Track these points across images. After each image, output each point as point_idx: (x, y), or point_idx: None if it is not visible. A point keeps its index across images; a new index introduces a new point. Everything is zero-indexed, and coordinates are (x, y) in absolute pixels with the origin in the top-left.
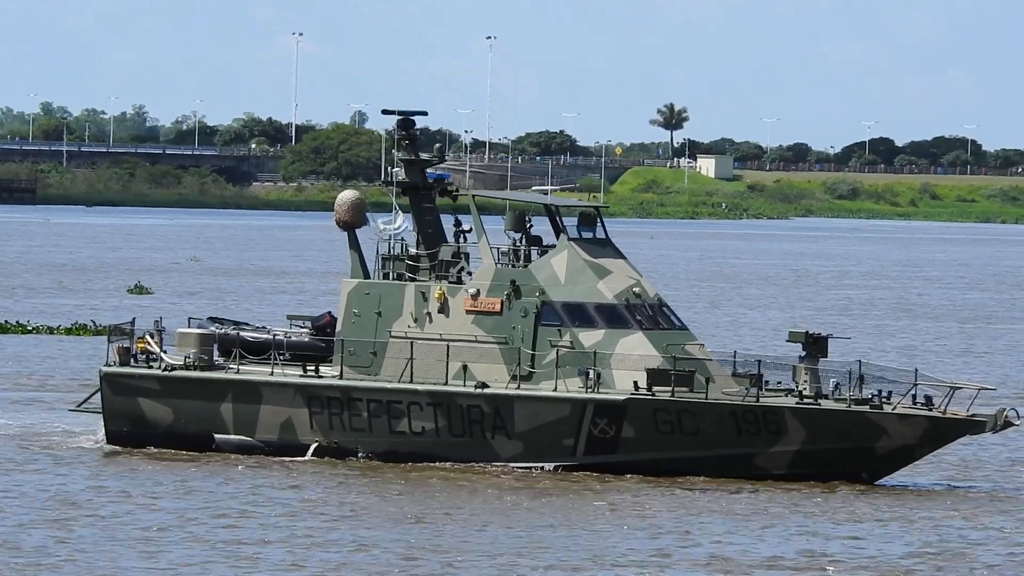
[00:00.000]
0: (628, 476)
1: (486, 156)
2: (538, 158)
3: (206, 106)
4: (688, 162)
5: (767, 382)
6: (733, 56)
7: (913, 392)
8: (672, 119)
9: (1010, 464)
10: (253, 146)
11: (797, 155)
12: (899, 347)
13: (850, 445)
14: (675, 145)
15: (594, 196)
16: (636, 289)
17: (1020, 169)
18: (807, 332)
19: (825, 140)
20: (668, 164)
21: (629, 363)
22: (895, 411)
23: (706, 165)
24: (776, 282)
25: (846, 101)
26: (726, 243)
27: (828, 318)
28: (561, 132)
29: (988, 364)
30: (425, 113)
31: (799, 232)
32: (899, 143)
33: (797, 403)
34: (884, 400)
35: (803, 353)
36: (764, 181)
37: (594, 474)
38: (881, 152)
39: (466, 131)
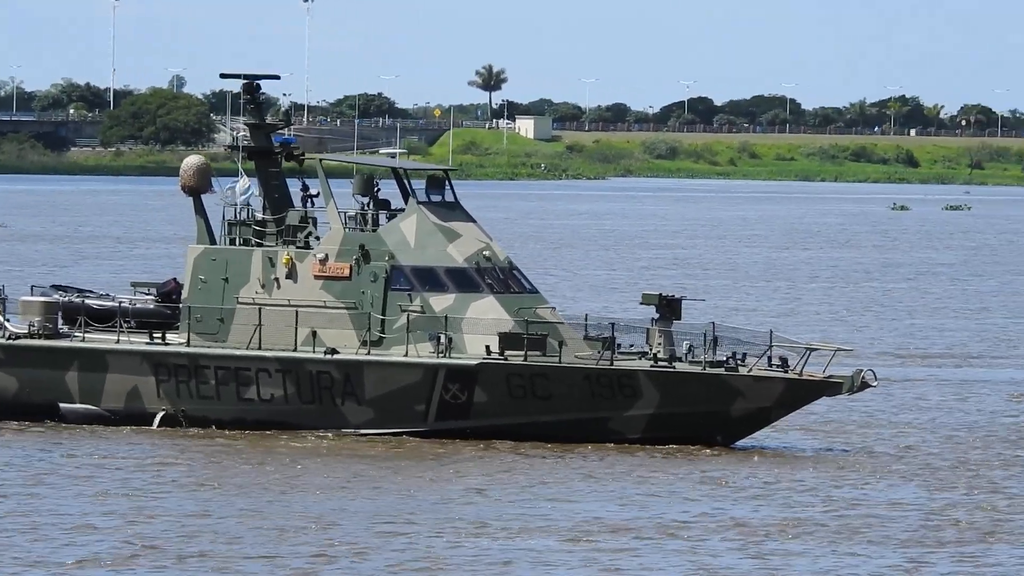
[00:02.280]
0: (479, 442)
1: (304, 119)
2: (357, 120)
3: (24, 72)
4: (507, 123)
5: (620, 345)
6: (551, 17)
7: (768, 354)
8: (491, 80)
9: (867, 424)
10: (71, 111)
11: (616, 115)
12: (746, 308)
13: (705, 408)
14: (494, 106)
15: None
16: (486, 252)
17: (839, 127)
18: (660, 294)
19: (644, 100)
20: (487, 125)
21: (481, 327)
22: (750, 373)
23: (525, 126)
24: (596, 243)
25: (664, 61)
26: (545, 205)
27: (661, 280)
28: (380, 95)
29: (846, 325)
30: (277, 77)
31: (618, 192)
32: (718, 102)
33: (651, 366)
34: (739, 362)
35: (656, 316)
36: (583, 142)
37: (446, 440)
38: (700, 112)
39: (284, 94)
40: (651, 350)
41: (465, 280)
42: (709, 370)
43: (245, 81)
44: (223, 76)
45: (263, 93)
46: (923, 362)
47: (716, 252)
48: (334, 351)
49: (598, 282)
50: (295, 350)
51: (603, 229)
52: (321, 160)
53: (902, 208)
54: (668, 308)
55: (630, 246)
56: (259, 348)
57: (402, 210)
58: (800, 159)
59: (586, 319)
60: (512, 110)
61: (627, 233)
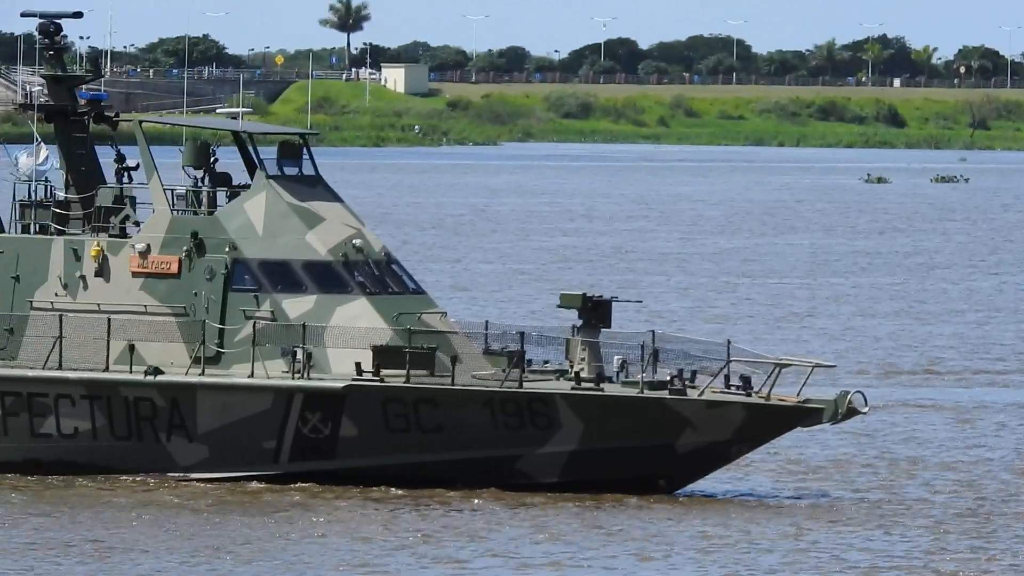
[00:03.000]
0: (350, 487)
1: (107, 69)
2: (174, 71)
3: None
4: (370, 73)
5: (531, 362)
6: None
7: (726, 372)
8: (348, 18)
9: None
10: None
11: (511, 63)
12: (696, 313)
13: (643, 443)
14: (353, 52)
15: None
16: (357, 241)
17: (800, 76)
18: (584, 295)
19: (547, 43)
20: (344, 76)
21: (350, 339)
22: (702, 397)
23: (394, 77)
24: (491, 228)
25: None
26: (422, 179)
27: (581, 276)
28: (205, 37)
29: (821, 334)
30: (80, 15)
31: (516, 162)
32: (643, 45)
33: (572, 389)
34: (687, 383)
35: (579, 323)
36: (469, 96)
37: (305, 485)
38: (621, 58)
39: (81, 37)
40: (572, 367)
41: (329, 277)
42: (648, 393)
43: (42, 21)
44: (24, 15)
45: (64, 36)
46: (918, 380)
47: (649, 240)
48: (157, 371)
49: (499, 280)
50: (106, 370)
51: (499, 211)
52: (141, 123)
53: (879, 180)
54: (594, 313)
55: (537, 232)
56: (59, 368)
57: (247, 186)
58: (751, 117)
59: (486, 328)
60: (377, 56)
61: (532, 215)
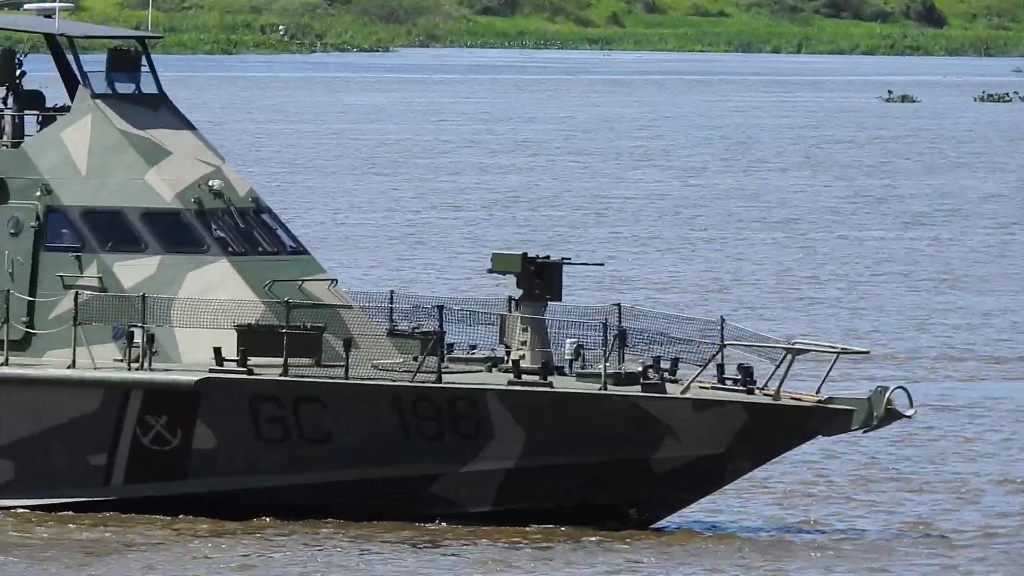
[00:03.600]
0: (207, 520)
1: None
2: None
3: None
4: None
5: (452, 347)
6: None
7: (719, 360)
8: None
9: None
10: None
11: None
12: (676, 279)
13: (607, 458)
14: None
15: None
16: (215, 183)
17: None
18: (524, 255)
19: None
20: None
21: (205, 315)
22: (687, 394)
23: None
24: (386, 166)
25: None
26: (285, 96)
27: (515, 232)
28: None
29: (837, 309)
30: None
31: (414, 74)
32: None
33: (509, 383)
34: (666, 375)
35: (518, 293)
36: None
37: (146, 516)
38: None
39: None
40: (508, 354)
41: (177, 232)
42: (613, 390)
43: None
44: None
45: None
46: (974, 369)
47: (603, 182)
48: None
49: (406, 236)
50: None
51: (399, 141)
52: None
53: (904, 99)
54: (538, 280)
55: (451, 170)
56: None
57: (66, 109)
58: (735, 13)
59: (391, 300)
60: None
61: (443, 147)
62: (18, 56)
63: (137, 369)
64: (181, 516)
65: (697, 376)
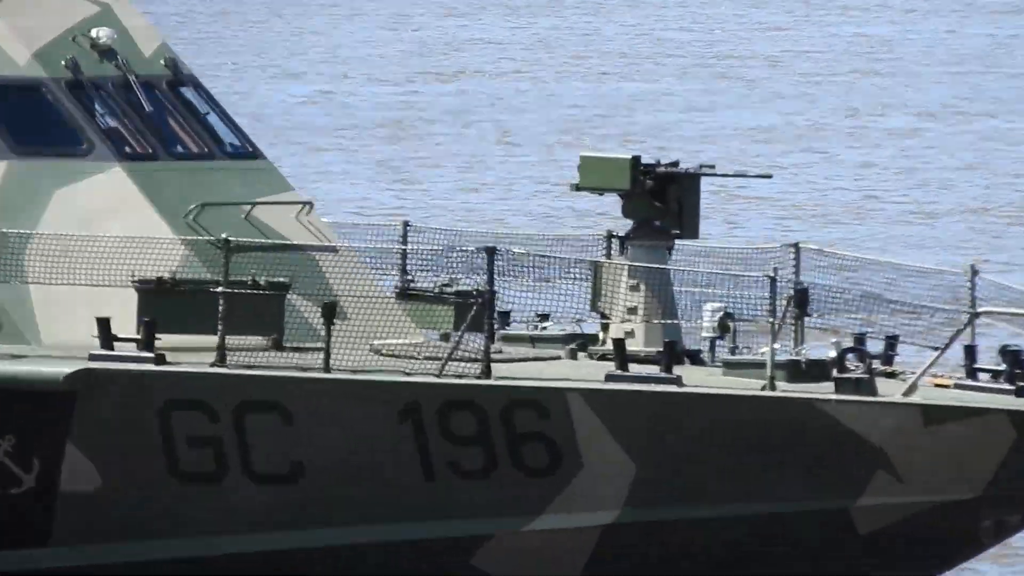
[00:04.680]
0: None
1: None
2: None
3: None
4: None
5: (507, 315)
6: None
7: (968, 336)
8: None
9: None
10: None
11: None
12: (856, 199)
13: (776, 506)
14: None
15: None
16: (102, 33)
17: None
18: (636, 160)
19: None
20: None
21: (83, 265)
22: (913, 396)
23: None
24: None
25: None
26: None
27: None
28: None
29: None
30: None
31: None
32: None
33: (608, 376)
34: (878, 363)
35: (622, 228)
36: None
37: None
38: None
39: None
40: (606, 329)
41: (37, 119)
42: (786, 388)
43: None
44: None
45: None
46: None
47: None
48: None
49: (415, 127)
50: None
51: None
52: None
53: None
54: (658, 204)
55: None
56: None
57: None
58: None
59: (404, 233)
60: None
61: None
62: None
63: None
64: None
65: (931, 365)
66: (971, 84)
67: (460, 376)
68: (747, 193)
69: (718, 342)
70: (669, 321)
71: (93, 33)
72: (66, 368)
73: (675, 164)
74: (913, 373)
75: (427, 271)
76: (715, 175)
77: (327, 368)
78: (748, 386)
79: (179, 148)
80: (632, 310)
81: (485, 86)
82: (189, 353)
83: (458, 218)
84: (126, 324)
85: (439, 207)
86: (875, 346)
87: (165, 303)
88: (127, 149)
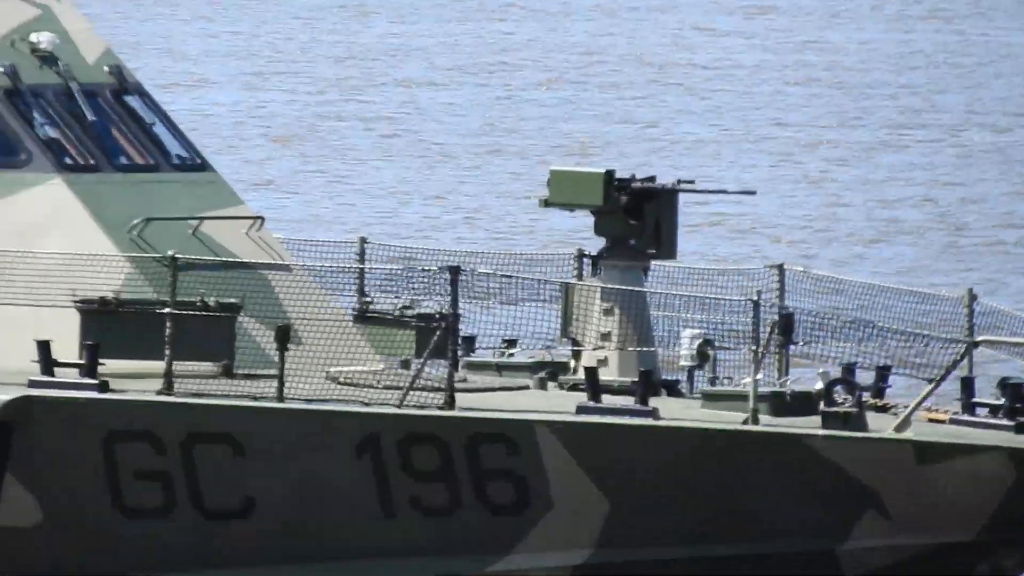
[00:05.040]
0: None
1: None
2: None
3: None
4: None
5: (472, 339)
6: None
7: (964, 367)
8: None
9: None
10: None
11: None
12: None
13: (758, 548)
14: None
15: None
16: (43, 37)
17: None
18: (609, 174)
19: None
20: None
21: (20, 282)
22: (905, 432)
23: None
24: None
25: None
26: None
27: (545, 133)
28: None
29: None
30: None
31: None
32: None
33: (579, 408)
34: (868, 396)
35: (594, 247)
36: None
37: None
38: None
39: None
40: (576, 356)
41: None
42: (769, 421)
43: None
44: None
45: None
46: None
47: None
48: None
49: (371, 139)
50: None
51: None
52: None
53: None
54: (633, 221)
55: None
56: None
57: None
58: None
59: (361, 254)
60: None
61: None
62: None
63: None
64: None
65: (924, 398)
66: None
67: (422, 407)
68: (714, 210)
69: (697, 371)
70: (645, 348)
71: (33, 38)
72: (3, 395)
73: (651, 179)
74: (905, 407)
75: (387, 292)
76: (694, 191)
77: (281, 397)
78: (729, 419)
79: (123, 159)
80: (605, 336)
81: (414, 95)
82: (134, 380)
83: (418, 234)
84: (67, 347)
85: (394, 222)
86: (865, 377)
87: (109, 325)
88: (68, 160)
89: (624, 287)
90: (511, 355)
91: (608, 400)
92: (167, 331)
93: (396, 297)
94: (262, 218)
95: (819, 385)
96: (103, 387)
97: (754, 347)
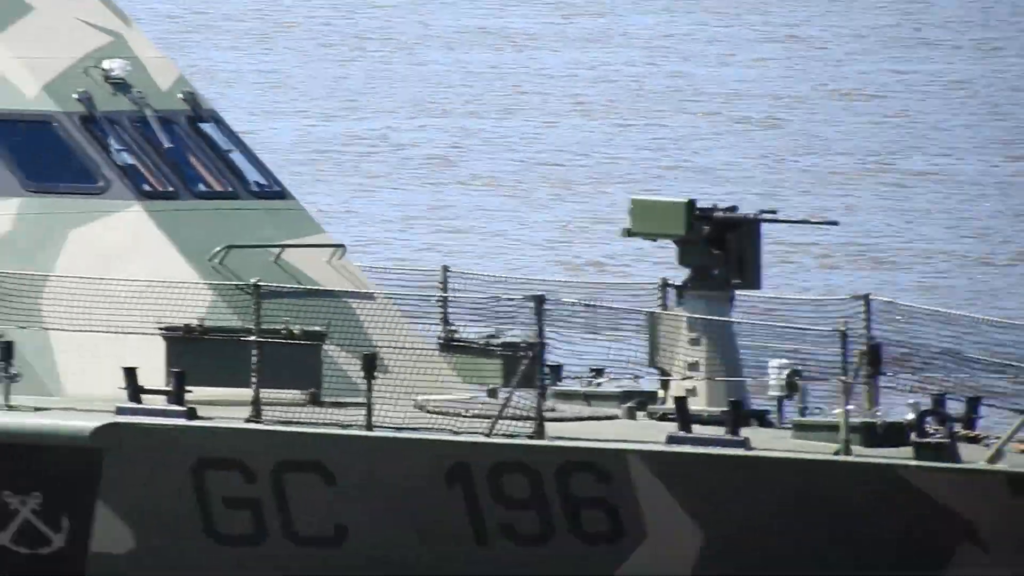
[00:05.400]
0: None
1: None
2: None
3: None
4: None
5: (559, 368)
6: None
7: None
8: None
9: None
10: None
11: None
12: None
13: None
14: None
15: None
16: (113, 64)
17: None
18: (691, 203)
19: None
20: None
21: (104, 310)
22: (1000, 463)
23: None
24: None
25: None
26: None
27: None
28: None
29: None
30: None
31: None
32: None
33: (669, 438)
34: (961, 427)
35: (677, 276)
36: None
37: None
38: None
39: None
40: (665, 386)
41: (50, 155)
42: (861, 452)
43: None
44: None
45: None
46: None
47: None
48: None
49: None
50: None
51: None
52: None
53: None
54: (717, 251)
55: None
56: None
57: None
58: None
59: (444, 280)
60: None
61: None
62: None
63: None
64: None
65: (1018, 429)
66: None
67: (511, 436)
68: (803, 237)
69: (786, 401)
70: (733, 378)
71: (106, 64)
72: (92, 423)
73: (733, 209)
74: (998, 438)
75: (471, 321)
76: (777, 221)
77: (370, 425)
78: (821, 450)
79: (201, 186)
80: (693, 366)
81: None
82: (221, 407)
83: (499, 262)
84: (151, 374)
85: (477, 250)
86: (956, 407)
87: (194, 352)
88: (146, 187)
89: (712, 317)
90: (599, 384)
91: (698, 430)
92: (253, 359)
93: (481, 326)
94: (343, 246)
95: (910, 416)
96: (191, 414)
97: (843, 378)
